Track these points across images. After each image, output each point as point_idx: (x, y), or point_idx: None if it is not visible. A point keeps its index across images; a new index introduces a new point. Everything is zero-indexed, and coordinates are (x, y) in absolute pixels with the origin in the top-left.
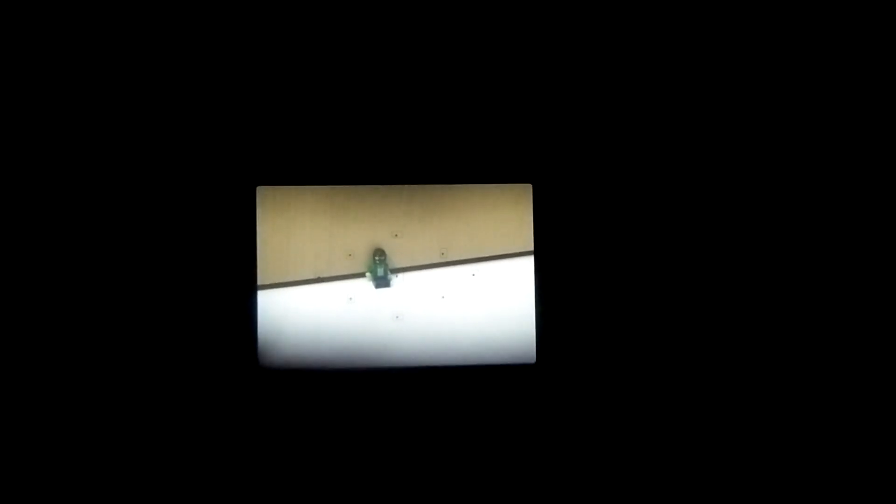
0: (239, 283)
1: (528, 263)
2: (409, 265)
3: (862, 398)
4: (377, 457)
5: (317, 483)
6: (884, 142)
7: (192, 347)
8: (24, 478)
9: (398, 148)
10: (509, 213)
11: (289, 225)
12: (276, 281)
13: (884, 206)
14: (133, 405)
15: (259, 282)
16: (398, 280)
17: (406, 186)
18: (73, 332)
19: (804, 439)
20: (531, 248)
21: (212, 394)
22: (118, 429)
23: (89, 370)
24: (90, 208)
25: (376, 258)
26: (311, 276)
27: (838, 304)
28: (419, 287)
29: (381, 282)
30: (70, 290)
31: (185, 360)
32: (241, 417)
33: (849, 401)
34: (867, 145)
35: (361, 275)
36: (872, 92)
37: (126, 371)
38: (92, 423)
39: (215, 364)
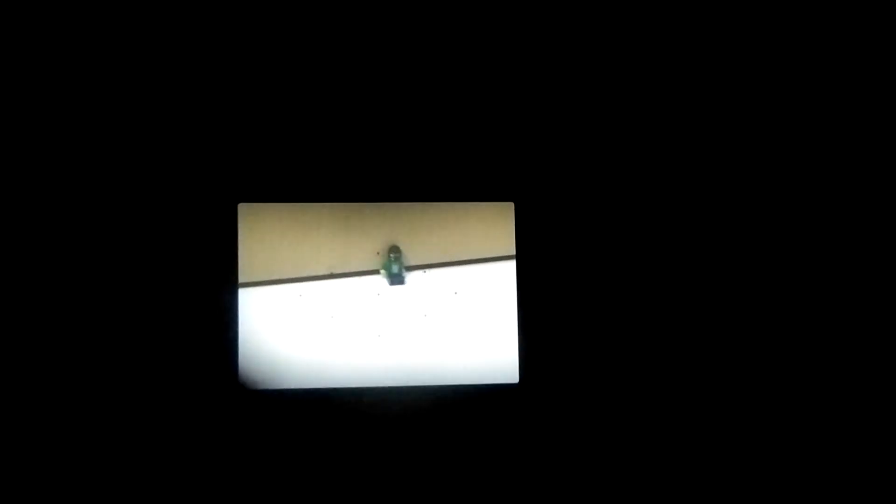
0: (220, 301)
1: (511, 283)
2: (390, 282)
3: (851, 399)
4: (357, 478)
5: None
6: (882, 142)
7: (172, 365)
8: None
9: (381, 166)
10: (491, 231)
11: (270, 242)
12: (258, 290)
13: (876, 206)
14: (111, 421)
15: (241, 297)
16: (379, 297)
17: (389, 204)
18: (53, 343)
19: (791, 452)
20: (513, 266)
21: (191, 415)
22: (95, 441)
23: (70, 382)
24: (67, 226)
25: (391, 255)
26: (293, 295)
27: (816, 323)
28: (401, 305)
29: (396, 279)
30: (49, 305)
31: (166, 379)
32: (221, 437)
33: (840, 406)
34: (843, 147)
35: (352, 280)
36: (869, 92)
37: (105, 390)
38: (70, 435)
39: (195, 384)
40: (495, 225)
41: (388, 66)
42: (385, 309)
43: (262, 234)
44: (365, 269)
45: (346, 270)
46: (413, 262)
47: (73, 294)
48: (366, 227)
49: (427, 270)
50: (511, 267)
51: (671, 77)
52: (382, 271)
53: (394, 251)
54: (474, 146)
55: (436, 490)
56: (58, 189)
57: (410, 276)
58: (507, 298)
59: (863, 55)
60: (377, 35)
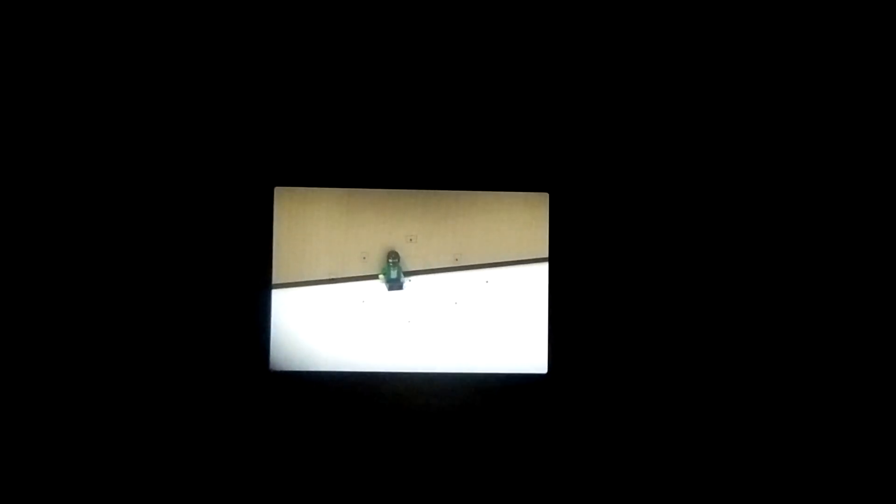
0: (254, 283)
1: (542, 273)
2: (423, 269)
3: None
4: (384, 463)
5: (322, 487)
6: (885, 142)
7: (205, 346)
8: (25, 478)
9: (416, 153)
10: (525, 222)
11: (305, 226)
12: (291, 281)
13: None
14: (145, 404)
15: (274, 281)
16: (412, 283)
17: (423, 191)
18: (86, 330)
19: (818, 450)
20: (546, 257)
21: (222, 395)
22: (129, 427)
23: (102, 369)
24: (106, 206)
25: (390, 260)
26: (325, 278)
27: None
28: (432, 292)
29: (394, 284)
30: (84, 288)
31: (198, 360)
32: (251, 419)
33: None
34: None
35: (375, 277)
36: (873, 92)
37: (140, 370)
38: (102, 422)
39: (227, 364)
40: (529, 215)
41: (424, 51)
42: (416, 295)
43: (297, 218)
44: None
45: (380, 253)
46: (444, 252)
47: (107, 267)
48: (397, 215)
49: (459, 259)
50: (543, 257)
51: (720, 63)
52: (381, 276)
53: (392, 256)
54: (510, 134)
55: (463, 474)
56: (98, 166)
57: (408, 282)
58: (538, 289)
59: (865, 55)
60: (413, 20)
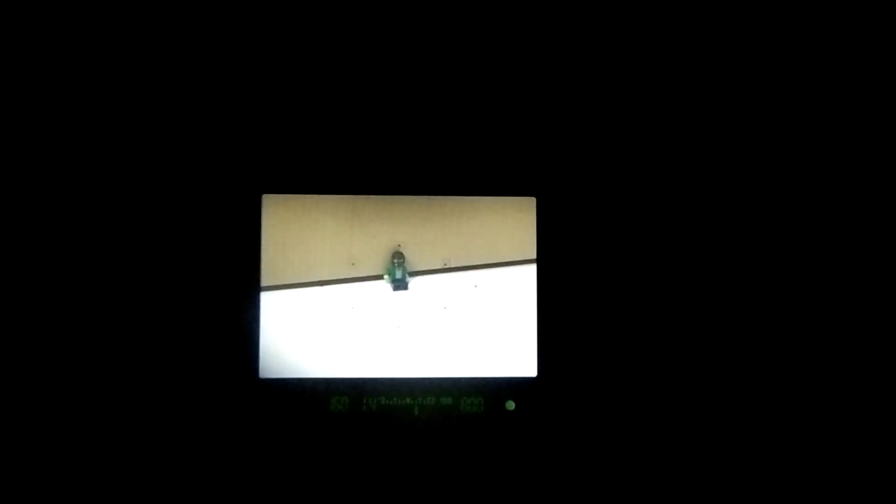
0: (243, 291)
1: (530, 278)
2: (411, 273)
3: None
4: (375, 469)
5: (315, 496)
6: (884, 142)
7: (192, 355)
8: (17, 486)
9: (404, 160)
10: (513, 227)
11: (293, 233)
12: (279, 286)
13: (884, 206)
14: (131, 415)
15: (262, 288)
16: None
17: (412, 197)
18: (72, 336)
19: (807, 449)
20: (533, 262)
21: (212, 401)
22: (114, 438)
23: (88, 377)
24: (93, 214)
25: (395, 261)
26: (315, 284)
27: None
28: (421, 297)
29: (399, 284)
30: (70, 294)
31: (185, 369)
32: (240, 425)
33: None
34: (869, 146)
35: (368, 279)
36: (872, 92)
37: (126, 380)
38: (88, 431)
39: (215, 374)
40: (516, 220)
41: (411, 59)
42: (405, 301)
43: (285, 225)
44: (387, 258)
45: (369, 260)
46: (435, 256)
47: (94, 276)
48: (385, 221)
49: (448, 264)
50: (531, 258)
51: (702, 68)
52: (386, 276)
53: (397, 257)
54: (496, 140)
55: (455, 478)
56: (81, 171)
57: (413, 281)
58: (527, 294)
59: (863, 55)
60: (401, 30)
